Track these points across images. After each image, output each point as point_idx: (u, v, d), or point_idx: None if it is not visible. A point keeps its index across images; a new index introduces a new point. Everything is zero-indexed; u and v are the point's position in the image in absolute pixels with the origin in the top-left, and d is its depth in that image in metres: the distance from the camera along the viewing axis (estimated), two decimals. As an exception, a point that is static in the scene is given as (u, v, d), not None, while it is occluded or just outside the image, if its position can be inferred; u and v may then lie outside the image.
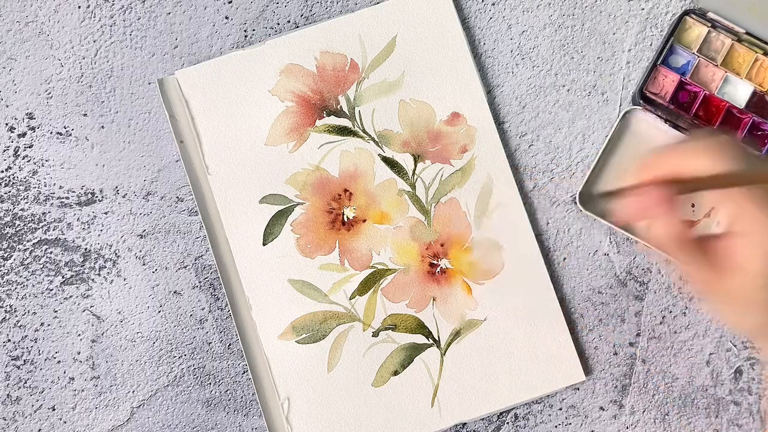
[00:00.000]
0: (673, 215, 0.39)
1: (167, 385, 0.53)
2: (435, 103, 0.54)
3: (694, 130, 0.42)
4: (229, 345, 0.53)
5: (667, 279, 0.54)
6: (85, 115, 0.54)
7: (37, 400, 0.53)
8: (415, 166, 0.54)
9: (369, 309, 0.53)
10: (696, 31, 0.54)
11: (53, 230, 0.53)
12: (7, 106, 0.54)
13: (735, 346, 0.53)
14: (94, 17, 0.54)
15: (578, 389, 0.53)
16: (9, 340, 0.53)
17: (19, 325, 0.53)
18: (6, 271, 0.53)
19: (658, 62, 0.53)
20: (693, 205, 0.54)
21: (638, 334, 0.53)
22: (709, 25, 0.54)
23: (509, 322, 0.52)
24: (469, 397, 0.52)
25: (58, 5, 0.54)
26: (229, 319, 0.53)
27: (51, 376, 0.53)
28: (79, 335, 0.53)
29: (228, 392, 0.53)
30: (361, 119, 0.54)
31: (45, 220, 0.53)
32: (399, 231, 0.53)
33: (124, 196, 0.54)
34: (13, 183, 0.53)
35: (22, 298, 0.53)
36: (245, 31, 0.55)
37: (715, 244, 0.40)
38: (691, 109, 0.53)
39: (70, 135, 0.54)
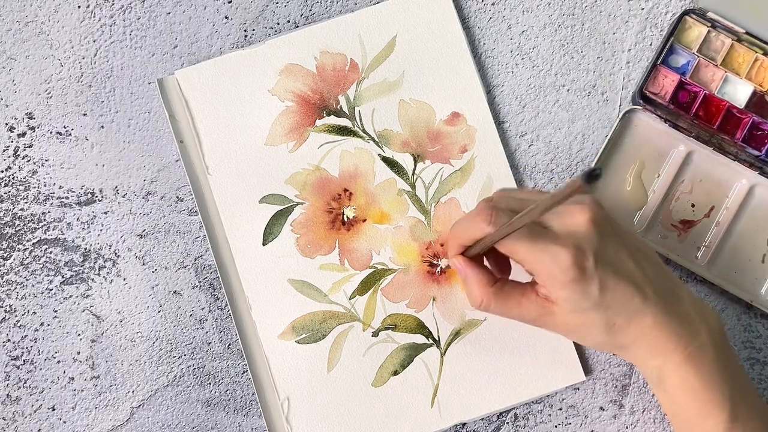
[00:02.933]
0: (474, 276, 0.45)
1: (167, 385, 0.53)
2: (435, 103, 0.54)
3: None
4: (229, 345, 0.53)
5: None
6: (84, 114, 0.54)
7: (37, 400, 0.52)
8: (415, 166, 0.54)
9: (369, 309, 0.53)
10: (696, 31, 0.54)
11: (53, 230, 0.53)
12: (7, 106, 0.54)
13: (735, 346, 0.53)
14: (94, 17, 0.54)
15: (578, 389, 0.53)
16: (9, 340, 0.53)
17: (18, 325, 0.53)
18: (6, 271, 0.53)
19: (658, 62, 0.53)
20: (693, 206, 0.54)
21: (638, 334, 0.53)
22: (709, 24, 0.54)
23: (509, 322, 0.52)
24: (469, 397, 0.52)
25: (58, 5, 0.54)
26: (229, 319, 0.53)
27: (51, 376, 0.53)
28: (79, 335, 0.53)
29: (228, 392, 0.53)
30: (361, 119, 0.54)
31: (45, 219, 0.53)
32: (399, 231, 0.53)
33: (123, 196, 0.54)
34: (13, 183, 0.53)
35: (22, 298, 0.53)
36: (245, 31, 0.55)
37: (517, 294, 0.45)
38: (691, 109, 0.53)
39: (70, 135, 0.54)
